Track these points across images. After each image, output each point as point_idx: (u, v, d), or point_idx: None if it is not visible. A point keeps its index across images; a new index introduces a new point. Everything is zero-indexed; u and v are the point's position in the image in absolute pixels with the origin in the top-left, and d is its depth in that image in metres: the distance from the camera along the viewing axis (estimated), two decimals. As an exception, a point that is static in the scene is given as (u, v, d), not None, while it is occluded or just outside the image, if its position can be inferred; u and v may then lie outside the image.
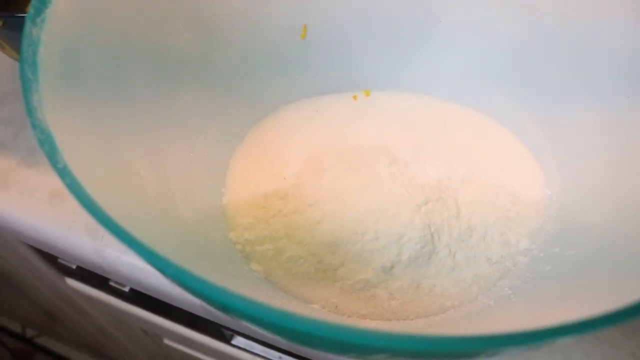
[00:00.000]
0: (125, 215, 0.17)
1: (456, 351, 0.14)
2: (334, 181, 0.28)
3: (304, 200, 0.28)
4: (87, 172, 0.17)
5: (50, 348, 1.01)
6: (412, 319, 0.25)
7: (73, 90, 0.20)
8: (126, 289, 0.44)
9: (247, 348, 0.47)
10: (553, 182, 0.28)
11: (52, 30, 0.19)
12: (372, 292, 0.26)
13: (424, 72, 0.33)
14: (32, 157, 0.36)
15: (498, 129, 0.31)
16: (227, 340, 0.48)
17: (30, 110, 0.17)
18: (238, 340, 0.47)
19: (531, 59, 0.29)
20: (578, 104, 0.28)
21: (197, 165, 0.28)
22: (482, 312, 0.25)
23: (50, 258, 0.46)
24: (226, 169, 0.30)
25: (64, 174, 0.16)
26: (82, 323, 0.68)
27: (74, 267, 0.45)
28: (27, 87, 0.18)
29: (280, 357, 0.45)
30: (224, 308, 0.16)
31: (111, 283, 0.45)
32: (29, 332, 1.02)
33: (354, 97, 0.34)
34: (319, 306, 0.25)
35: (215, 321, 0.37)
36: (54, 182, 0.34)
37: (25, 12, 0.29)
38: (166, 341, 0.56)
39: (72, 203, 0.33)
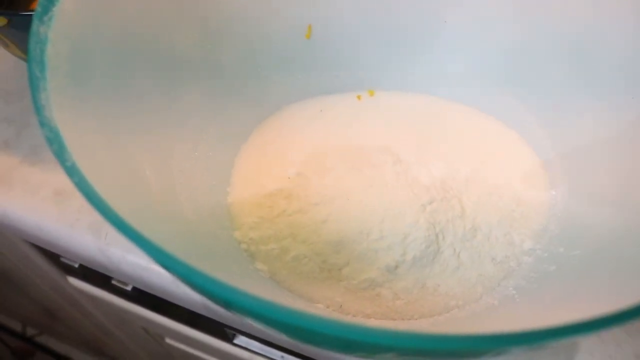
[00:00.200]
0: (132, 213, 0.17)
1: (462, 350, 0.15)
2: (338, 181, 0.28)
3: (309, 200, 0.28)
4: (94, 171, 0.17)
5: (50, 347, 1.01)
6: (416, 319, 0.25)
7: (79, 89, 0.20)
8: (129, 288, 0.44)
9: (249, 347, 0.47)
10: (557, 183, 0.28)
11: (59, 28, 0.19)
12: (376, 291, 0.26)
13: (428, 72, 0.33)
14: (36, 155, 0.36)
15: (502, 129, 0.31)
16: (229, 339, 0.48)
17: (38, 109, 0.17)
18: (240, 339, 0.47)
19: (534, 59, 0.29)
20: (581, 104, 0.28)
21: (201, 165, 0.28)
22: (486, 312, 0.25)
23: (52, 256, 0.46)
24: (231, 168, 0.30)
25: (72, 172, 0.16)
26: (83, 322, 0.68)
27: (76, 265, 0.45)
28: (34, 85, 0.18)
29: (282, 357, 0.45)
30: (231, 306, 0.16)
31: (114, 282, 0.45)
32: (30, 331, 1.02)
33: (358, 97, 0.34)
34: (323, 305, 0.25)
35: (218, 320, 0.37)
36: (58, 180, 0.34)
37: (30, 11, 0.29)
38: (168, 340, 0.56)
39: (76, 201, 0.33)
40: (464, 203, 0.28)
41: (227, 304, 0.16)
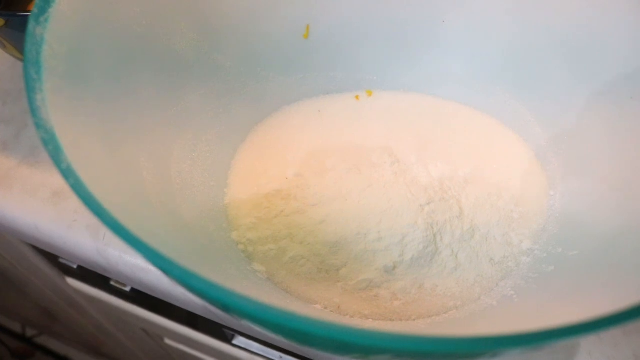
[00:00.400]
0: (128, 215, 0.17)
1: (459, 352, 0.14)
2: (336, 181, 0.28)
3: (307, 201, 0.28)
4: (90, 173, 0.17)
5: (50, 347, 1.01)
6: (414, 320, 0.25)
7: (76, 90, 0.20)
8: (127, 289, 0.44)
9: (248, 348, 0.47)
10: (556, 183, 0.28)
11: (55, 29, 0.19)
12: (374, 292, 0.26)
13: (427, 72, 0.33)
14: (34, 157, 0.36)
15: (501, 129, 0.31)
16: (227, 340, 0.48)
17: (33, 110, 0.17)
18: (239, 340, 0.47)
19: (534, 59, 0.29)
20: (580, 104, 0.28)
21: (199, 165, 0.28)
22: (484, 313, 0.25)
23: (51, 257, 0.46)
24: (228, 169, 0.30)
25: (67, 174, 0.16)
26: (82, 322, 0.68)
27: (74, 266, 0.45)
28: (30, 86, 0.18)
29: (281, 357, 0.45)
30: (228, 309, 0.16)
31: (112, 283, 0.45)
32: (29, 332, 1.02)
33: (356, 97, 0.34)
34: (321, 306, 0.25)
35: (216, 321, 0.37)
36: (56, 181, 0.34)
37: (27, 12, 0.29)
38: (167, 341, 0.56)
39: (74, 202, 0.33)
40: (463, 203, 0.28)
41: (224, 307, 0.16)
